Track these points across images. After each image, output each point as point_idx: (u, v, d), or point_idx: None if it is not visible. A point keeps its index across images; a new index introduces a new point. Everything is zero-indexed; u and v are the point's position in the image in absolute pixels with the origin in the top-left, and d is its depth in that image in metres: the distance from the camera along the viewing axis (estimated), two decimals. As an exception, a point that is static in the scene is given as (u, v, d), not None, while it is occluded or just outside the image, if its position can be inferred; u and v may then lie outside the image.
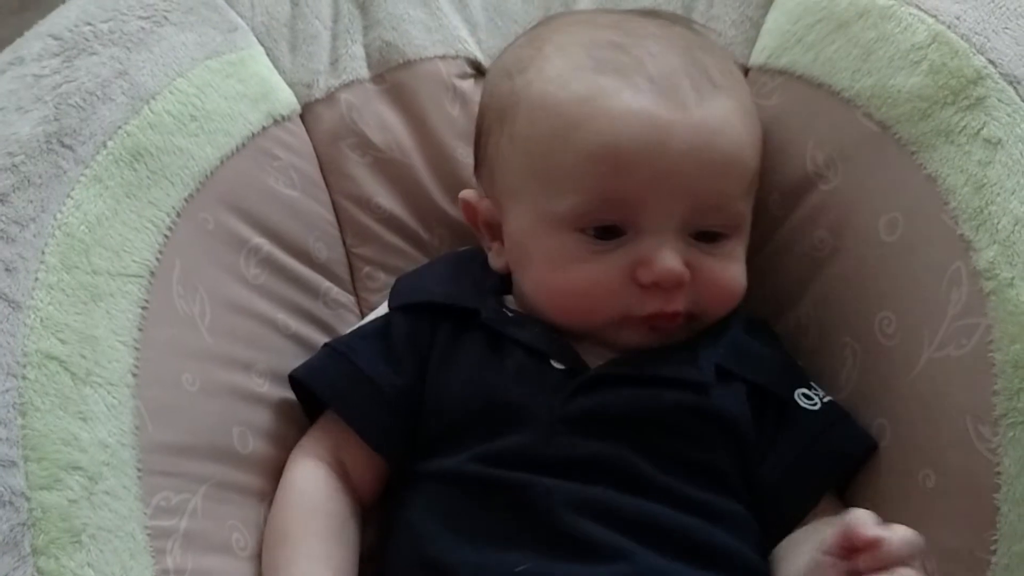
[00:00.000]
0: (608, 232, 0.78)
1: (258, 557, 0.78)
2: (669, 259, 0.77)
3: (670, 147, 0.76)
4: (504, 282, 0.86)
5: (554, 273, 0.80)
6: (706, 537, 0.74)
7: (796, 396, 0.80)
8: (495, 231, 0.85)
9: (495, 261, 0.86)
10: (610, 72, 0.78)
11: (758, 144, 0.83)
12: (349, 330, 0.90)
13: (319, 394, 0.83)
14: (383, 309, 0.89)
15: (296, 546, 0.77)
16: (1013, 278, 0.72)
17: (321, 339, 0.89)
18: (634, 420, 0.76)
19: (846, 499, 0.80)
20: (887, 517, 0.75)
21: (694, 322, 0.81)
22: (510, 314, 0.83)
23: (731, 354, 0.80)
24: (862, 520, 0.63)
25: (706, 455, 0.76)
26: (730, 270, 0.81)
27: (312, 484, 0.80)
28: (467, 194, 0.87)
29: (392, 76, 0.95)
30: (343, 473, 0.81)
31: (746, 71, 0.92)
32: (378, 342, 0.83)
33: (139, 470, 0.72)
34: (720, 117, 0.78)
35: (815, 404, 0.80)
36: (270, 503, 0.81)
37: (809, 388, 0.82)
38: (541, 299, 0.82)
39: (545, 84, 0.80)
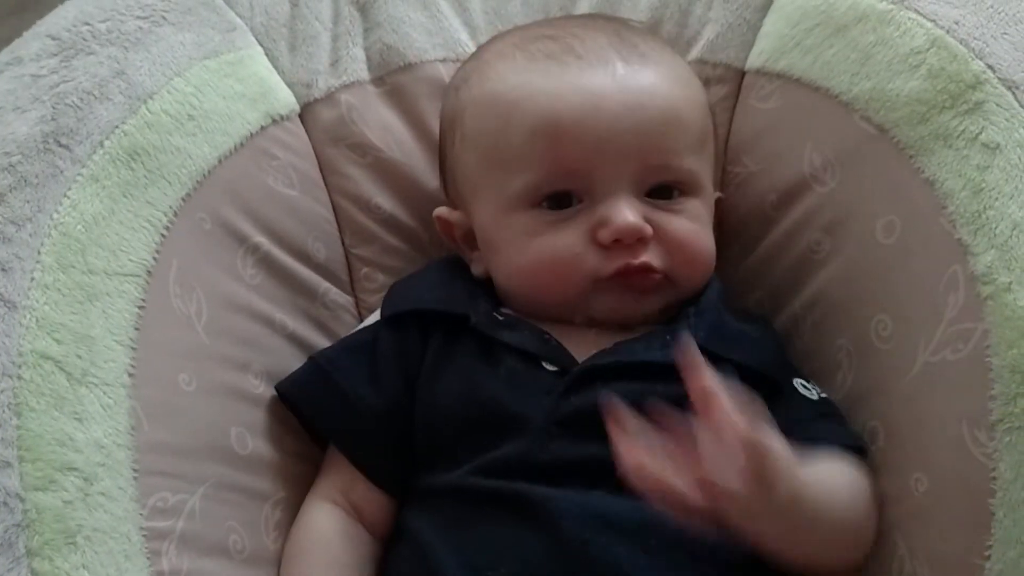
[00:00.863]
0: (562, 201, 0.81)
1: (255, 560, 0.78)
2: (626, 214, 0.79)
3: (604, 111, 0.80)
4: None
5: (519, 253, 0.82)
6: (708, 541, 0.73)
7: (795, 383, 0.81)
8: (471, 240, 0.87)
9: (476, 268, 0.87)
10: (541, 59, 0.83)
11: (698, 105, 0.85)
12: (344, 335, 0.90)
13: (304, 412, 0.83)
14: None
15: None
16: (1011, 283, 0.72)
17: (319, 340, 0.89)
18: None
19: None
20: (879, 518, 0.75)
21: (670, 287, 0.82)
22: (500, 317, 0.83)
23: (715, 337, 0.80)
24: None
25: None
26: (693, 228, 0.82)
27: (324, 530, 0.80)
28: (440, 211, 0.89)
29: (392, 79, 0.95)
30: (356, 513, 0.81)
31: (743, 74, 0.93)
32: (363, 357, 0.83)
33: (135, 471, 0.72)
34: (650, 80, 0.82)
35: (813, 395, 0.81)
36: (272, 504, 0.81)
37: (808, 381, 0.82)
38: (514, 285, 0.83)
39: (484, 84, 0.85)
